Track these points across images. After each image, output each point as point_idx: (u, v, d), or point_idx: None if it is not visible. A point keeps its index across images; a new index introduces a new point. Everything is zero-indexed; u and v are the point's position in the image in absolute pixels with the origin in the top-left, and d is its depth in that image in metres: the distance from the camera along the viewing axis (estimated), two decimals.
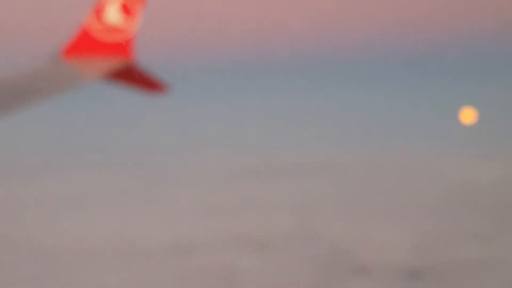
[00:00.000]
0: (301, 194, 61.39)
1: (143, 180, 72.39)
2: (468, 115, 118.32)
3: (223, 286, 38.05)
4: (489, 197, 57.24)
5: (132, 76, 10.10)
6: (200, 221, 52.27)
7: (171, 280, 38.69)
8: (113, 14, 9.89)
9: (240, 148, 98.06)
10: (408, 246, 42.90)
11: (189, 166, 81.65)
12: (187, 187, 67.14)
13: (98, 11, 9.93)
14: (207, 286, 38.11)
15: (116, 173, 78.27)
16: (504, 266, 38.49)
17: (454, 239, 44.35)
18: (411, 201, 56.37)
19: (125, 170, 79.87)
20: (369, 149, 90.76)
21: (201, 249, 44.70)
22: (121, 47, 10.09)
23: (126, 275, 39.84)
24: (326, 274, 38.78)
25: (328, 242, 44.98)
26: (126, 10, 9.87)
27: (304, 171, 74.66)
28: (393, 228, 47.46)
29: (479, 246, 42.34)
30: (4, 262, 42.49)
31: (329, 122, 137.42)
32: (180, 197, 61.75)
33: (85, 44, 10.09)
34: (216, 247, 44.94)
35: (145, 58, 10.51)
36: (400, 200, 57.14)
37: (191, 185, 68.15)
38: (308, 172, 74.05)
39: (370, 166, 76.41)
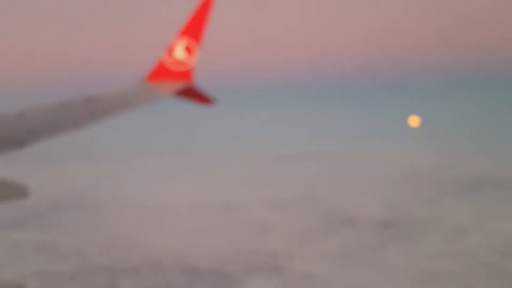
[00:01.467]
0: (304, 172, 64.25)
1: (203, 162, 76.00)
2: (414, 121, 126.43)
3: (257, 230, 39.87)
4: (431, 174, 59.66)
5: (192, 93, 10.48)
6: (240, 189, 54.88)
7: (226, 225, 41.57)
8: (179, 52, 10.40)
9: (263, 141, 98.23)
10: (380, 206, 45.29)
11: (231, 153, 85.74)
12: (231, 167, 70.94)
13: (170, 50, 10.45)
14: (249, 229, 40.12)
15: (186, 158, 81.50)
16: (444, 220, 40.77)
17: (410, 202, 46.58)
18: (380, 177, 58.90)
19: (191, 156, 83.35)
20: (348, 143, 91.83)
21: (242, 207, 47.20)
22: (185, 74, 10.52)
23: (194, 223, 42.33)
24: (325, 224, 40.98)
25: (326, 203, 47.48)
26: (188, 50, 10.32)
27: (305, 157, 78.65)
28: (369, 195, 49.80)
29: (427, 206, 45.02)
30: (114, 215, 45.54)
31: (321, 125, 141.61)
32: (226, 174, 64.77)
33: (161, 72, 10.56)
34: (251, 206, 47.47)
35: (200, 81, 10.65)
36: (372, 177, 59.67)
37: (233, 166, 71.96)
38: (308, 158, 78.07)
39: (349, 154, 79.69)
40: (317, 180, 59.58)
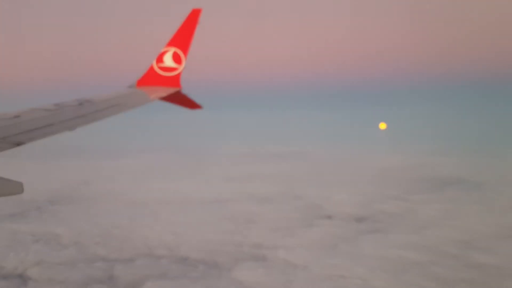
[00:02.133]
0: (284, 171, 65.16)
1: (191, 161, 75.87)
2: (383, 125, 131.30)
3: (242, 223, 39.91)
4: (399, 174, 60.63)
5: (179, 98, 10.43)
6: (225, 185, 55.59)
7: (214, 218, 41.46)
8: (168, 60, 10.40)
9: (245, 142, 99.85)
10: (354, 202, 45.87)
11: (216, 153, 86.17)
12: (219, 164, 71.34)
13: (160, 57, 10.47)
14: (236, 222, 40.12)
15: (174, 157, 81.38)
16: (412, 215, 41.34)
17: (382, 198, 47.18)
18: (353, 176, 59.63)
19: (179, 155, 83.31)
20: (323, 145, 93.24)
21: (230, 201, 47.67)
22: (173, 80, 10.49)
23: (186, 216, 42.40)
24: (305, 218, 41.21)
25: (305, 199, 47.86)
26: (176, 57, 10.35)
27: (284, 157, 79.58)
28: (344, 191, 50.20)
29: (397, 203, 45.48)
30: (109, 209, 45.25)
31: (299, 128, 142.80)
32: (212, 172, 64.66)
33: (151, 78, 10.54)
34: (238, 200, 48.02)
35: (187, 87, 10.67)
36: (346, 175, 60.40)
37: (221, 163, 72.39)
38: (287, 158, 78.98)
39: (324, 155, 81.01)
40: (296, 178, 59.76)
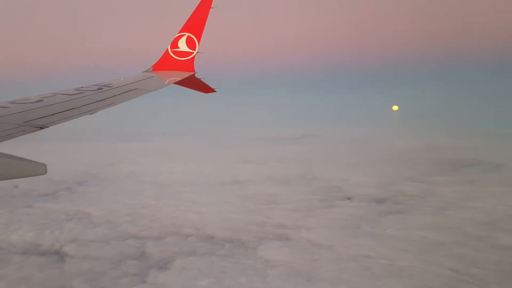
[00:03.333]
0: (300, 152, 65.44)
1: (210, 144, 76.66)
2: (395, 108, 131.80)
3: (264, 204, 39.92)
4: (415, 155, 60.29)
5: (194, 82, 10.56)
6: (245, 167, 56.17)
7: (235, 199, 41.72)
8: (182, 44, 10.53)
9: (263, 125, 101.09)
10: (372, 184, 45.50)
11: (234, 134, 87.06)
12: (235, 147, 71.39)
13: (174, 42, 10.63)
14: (257, 203, 40.28)
15: (193, 139, 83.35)
16: (433, 196, 40.86)
17: (400, 180, 46.64)
18: (369, 158, 59.54)
19: (197, 138, 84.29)
20: (335, 127, 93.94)
21: (249, 183, 47.92)
22: (187, 64, 10.62)
23: (208, 196, 42.69)
24: (325, 199, 40.94)
25: (323, 181, 47.55)
26: (189, 42, 10.48)
27: (300, 140, 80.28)
28: (361, 173, 49.97)
29: (415, 184, 44.90)
30: (134, 189, 45.86)
31: (313, 111, 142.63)
32: (232, 153, 65.36)
33: (166, 62, 10.70)
34: (257, 182, 48.15)
35: (200, 70, 10.76)
36: (361, 157, 60.19)
37: (237, 146, 72.58)
38: (302, 140, 79.62)
39: (337, 137, 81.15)
40: (313, 160, 59.60)
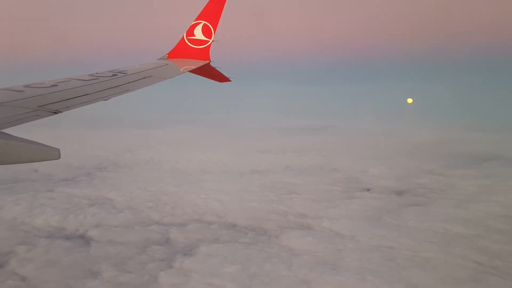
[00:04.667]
0: (317, 143, 65.61)
1: (226, 133, 76.56)
2: (409, 101, 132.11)
3: (286, 192, 40.61)
4: (433, 148, 60.34)
5: (209, 71, 10.45)
6: (264, 156, 56.62)
7: (256, 188, 41.81)
8: (198, 32, 10.44)
9: (279, 116, 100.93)
10: (391, 176, 45.64)
11: (251, 124, 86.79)
12: (252, 137, 71.60)
13: (190, 30, 10.54)
14: (277, 192, 40.40)
15: (210, 128, 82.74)
16: (453, 189, 40.95)
17: (419, 172, 46.91)
18: (387, 150, 59.33)
19: (215, 127, 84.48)
20: (351, 119, 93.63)
21: (268, 172, 48.10)
22: (203, 52, 10.52)
23: (229, 185, 42.86)
24: (345, 190, 41.16)
25: (342, 172, 47.79)
26: (205, 30, 10.39)
27: (316, 131, 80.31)
28: (380, 165, 50.10)
29: (435, 177, 45.27)
30: (155, 176, 46.01)
31: (328, 102, 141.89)
32: (250, 143, 65.78)
33: (181, 51, 10.61)
34: (276, 172, 48.33)
35: (216, 59, 10.67)
36: (379, 149, 60.07)
37: (254, 137, 72.53)
38: (318, 131, 79.92)
39: (353, 128, 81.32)
40: (330, 151, 59.61)
